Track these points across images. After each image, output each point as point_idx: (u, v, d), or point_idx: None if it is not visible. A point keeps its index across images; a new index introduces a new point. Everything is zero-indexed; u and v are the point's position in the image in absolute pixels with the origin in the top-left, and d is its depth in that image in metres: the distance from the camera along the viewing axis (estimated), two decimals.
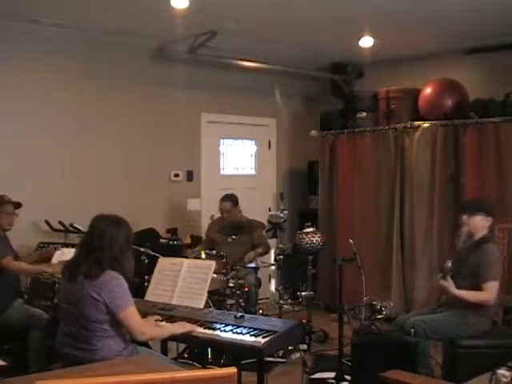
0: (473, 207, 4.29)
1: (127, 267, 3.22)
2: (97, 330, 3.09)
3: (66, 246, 5.25)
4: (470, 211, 4.24)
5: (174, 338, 3.46)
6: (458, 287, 4.03)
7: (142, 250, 5.03)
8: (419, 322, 4.07)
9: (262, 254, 5.83)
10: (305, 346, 5.23)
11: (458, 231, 4.38)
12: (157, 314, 3.57)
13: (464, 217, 4.26)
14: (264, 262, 5.77)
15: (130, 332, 3.15)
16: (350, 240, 4.84)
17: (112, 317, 3.10)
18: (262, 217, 6.09)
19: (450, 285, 4.01)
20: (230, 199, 5.89)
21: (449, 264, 3.99)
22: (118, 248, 3.17)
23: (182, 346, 4.73)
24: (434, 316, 4.17)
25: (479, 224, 4.21)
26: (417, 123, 6.19)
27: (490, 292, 4.02)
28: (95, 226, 3.23)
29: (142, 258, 5.04)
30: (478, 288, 4.04)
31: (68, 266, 3.29)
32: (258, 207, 6.96)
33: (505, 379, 2.56)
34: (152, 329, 3.29)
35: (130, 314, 3.12)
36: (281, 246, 5.71)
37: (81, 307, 3.07)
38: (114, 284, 3.09)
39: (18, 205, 4.72)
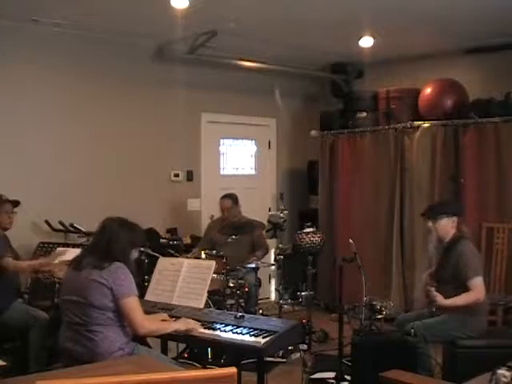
0: (434, 212, 4.27)
1: (130, 268, 3.29)
2: (99, 318, 3.11)
3: (67, 245, 5.26)
4: (433, 217, 4.23)
5: (174, 337, 3.47)
6: (443, 292, 4.03)
7: (141, 250, 5.03)
8: (418, 328, 4.06)
9: (261, 258, 5.82)
10: (305, 346, 5.22)
11: (428, 238, 4.41)
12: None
13: (429, 223, 4.26)
14: (264, 262, 5.77)
15: (130, 322, 3.16)
16: (350, 240, 4.84)
17: (116, 305, 3.13)
18: (262, 217, 6.09)
19: (440, 300, 4.02)
20: (231, 197, 5.92)
21: (433, 292, 4.00)
22: (119, 249, 3.24)
23: (181, 346, 4.73)
24: (432, 321, 4.14)
25: (445, 227, 4.21)
26: (417, 123, 6.19)
27: (477, 289, 4.02)
28: (104, 226, 3.33)
29: (142, 257, 5.04)
30: (463, 288, 4.03)
31: (75, 259, 3.36)
32: (258, 207, 6.96)
33: (505, 379, 2.56)
34: (152, 323, 3.29)
35: (132, 303, 3.15)
36: (281, 246, 5.70)
37: (86, 293, 3.11)
38: (121, 272, 3.17)
39: (16, 203, 4.72)
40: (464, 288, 4.04)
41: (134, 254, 3.38)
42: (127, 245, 3.29)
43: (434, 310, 4.16)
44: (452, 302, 4.02)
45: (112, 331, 3.13)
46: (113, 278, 3.13)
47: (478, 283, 4.03)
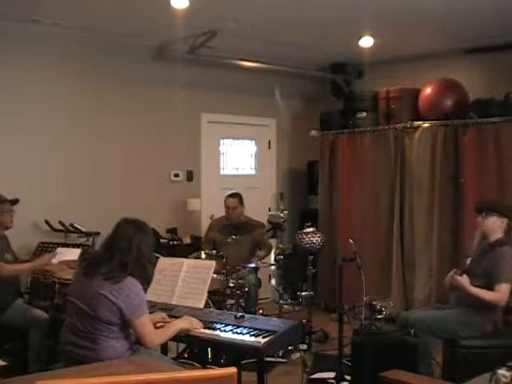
0: (487, 208, 4.25)
1: (150, 271, 3.28)
2: (104, 330, 3.09)
3: (67, 245, 5.26)
4: (485, 212, 4.21)
5: (174, 337, 3.46)
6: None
7: None
8: (423, 317, 4.08)
9: (264, 257, 5.81)
10: (305, 346, 5.23)
11: (474, 233, 4.40)
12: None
13: (478, 218, 4.25)
14: (264, 262, 5.77)
15: (141, 340, 3.15)
16: (350, 240, 4.84)
17: (124, 321, 3.10)
18: (262, 217, 6.09)
19: (465, 281, 4.01)
20: (237, 197, 5.92)
21: (467, 261, 3.97)
22: (145, 254, 3.21)
23: (182, 346, 4.73)
24: (438, 313, 4.19)
25: (493, 225, 4.19)
26: (417, 123, 6.19)
27: (502, 294, 4.02)
28: (122, 230, 3.24)
29: None
30: (489, 289, 4.03)
31: (87, 262, 3.30)
32: (258, 207, 6.94)
33: (505, 379, 2.56)
34: (161, 336, 3.26)
35: (144, 322, 3.12)
36: (281, 246, 5.70)
37: (94, 306, 3.07)
38: (133, 292, 3.10)
39: (15, 201, 4.71)
40: (490, 285, 4.04)
41: (153, 257, 3.35)
42: (145, 253, 3.23)
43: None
44: (475, 291, 4.00)
45: (115, 341, 3.12)
46: (123, 297, 3.06)
47: (505, 289, 4.03)
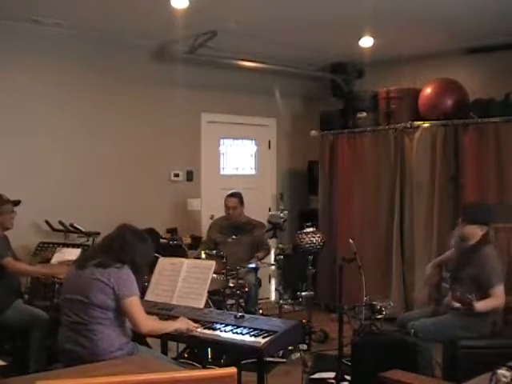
0: (470, 217, 4.24)
1: (140, 280, 3.35)
2: (99, 317, 3.12)
3: (67, 246, 5.26)
4: (467, 220, 4.22)
5: (174, 337, 3.47)
6: (456, 291, 4.00)
7: None
8: (422, 325, 4.06)
9: (263, 258, 5.80)
10: (305, 346, 5.23)
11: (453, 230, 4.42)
12: (156, 314, 3.57)
13: (459, 220, 4.28)
14: (264, 262, 5.77)
15: (133, 322, 3.18)
16: (350, 240, 4.84)
17: (117, 304, 3.14)
18: (262, 217, 6.09)
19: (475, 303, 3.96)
20: (237, 196, 5.92)
21: (473, 299, 3.89)
22: (137, 261, 3.29)
23: (182, 346, 4.73)
24: (436, 319, 4.15)
25: (473, 233, 4.19)
26: (417, 123, 6.19)
27: (499, 297, 4.01)
28: (120, 234, 3.34)
29: None
30: (480, 292, 4.00)
31: (82, 256, 3.44)
32: (258, 207, 6.95)
33: (505, 379, 2.56)
34: (152, 322, 3.32)
35: (135, 303, 3.17)
36: (281, 245, 5.70)
37: (87, 291, 3.13)
38: (123, 273, 3.19)
39: (17, 202, 4.72)
40: (482, 292, 4.00)
41: (144, 266, 3.39)
42: (139, 256, 3.31)
43: (443, 307, 4.13)
44: (476, 307, 3.88)
45: (111, 330, 3.14)
46: (115, 278, 3.14)
47: (500, 291, 4.00)
